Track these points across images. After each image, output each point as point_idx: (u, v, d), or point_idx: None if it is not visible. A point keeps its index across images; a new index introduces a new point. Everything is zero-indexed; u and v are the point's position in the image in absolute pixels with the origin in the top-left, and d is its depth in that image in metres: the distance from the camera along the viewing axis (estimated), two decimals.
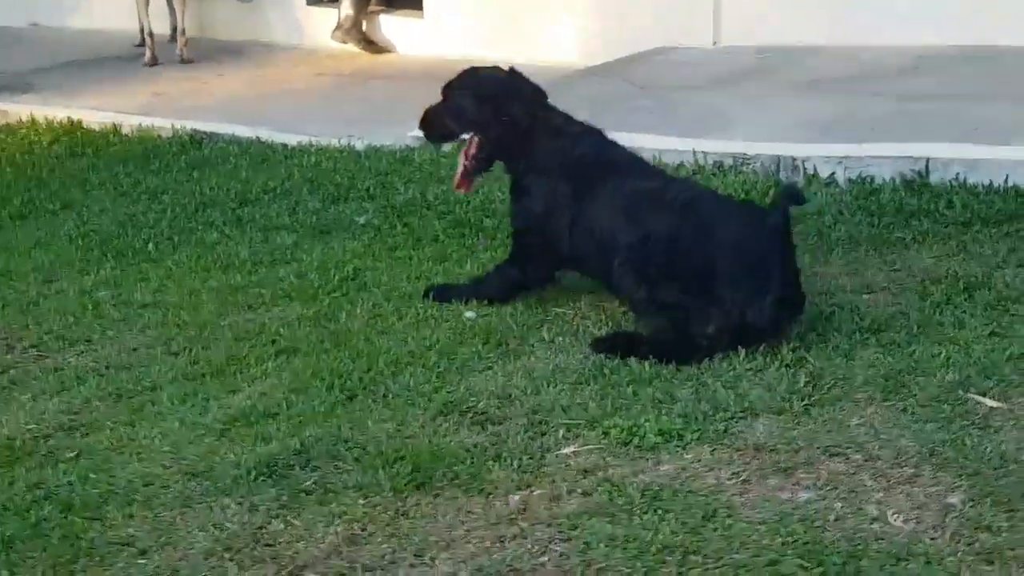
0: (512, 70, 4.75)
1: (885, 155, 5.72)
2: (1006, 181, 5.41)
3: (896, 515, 3.05)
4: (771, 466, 3.37)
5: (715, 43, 9.05)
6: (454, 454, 3.60)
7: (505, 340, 4.43)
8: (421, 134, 4.96)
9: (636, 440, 3.59)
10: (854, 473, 3.28)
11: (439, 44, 10.31)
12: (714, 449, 3.50)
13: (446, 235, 5.66)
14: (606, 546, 3.05)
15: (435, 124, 4.82)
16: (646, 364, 4.06)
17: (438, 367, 4.25)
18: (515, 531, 3.19)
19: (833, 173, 5.83)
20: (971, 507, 3.04)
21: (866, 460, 3.33)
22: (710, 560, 2.95)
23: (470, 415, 3.86)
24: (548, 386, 4.00)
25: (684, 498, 3.25)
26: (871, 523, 3.04)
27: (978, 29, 7.90)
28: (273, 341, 4.65)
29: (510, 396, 3.97)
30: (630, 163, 4.61)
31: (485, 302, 4.76)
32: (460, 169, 4.80)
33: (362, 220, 6.03)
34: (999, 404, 3.54)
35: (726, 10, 9.08)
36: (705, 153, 6.21)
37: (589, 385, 3.99)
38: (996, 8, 7.90)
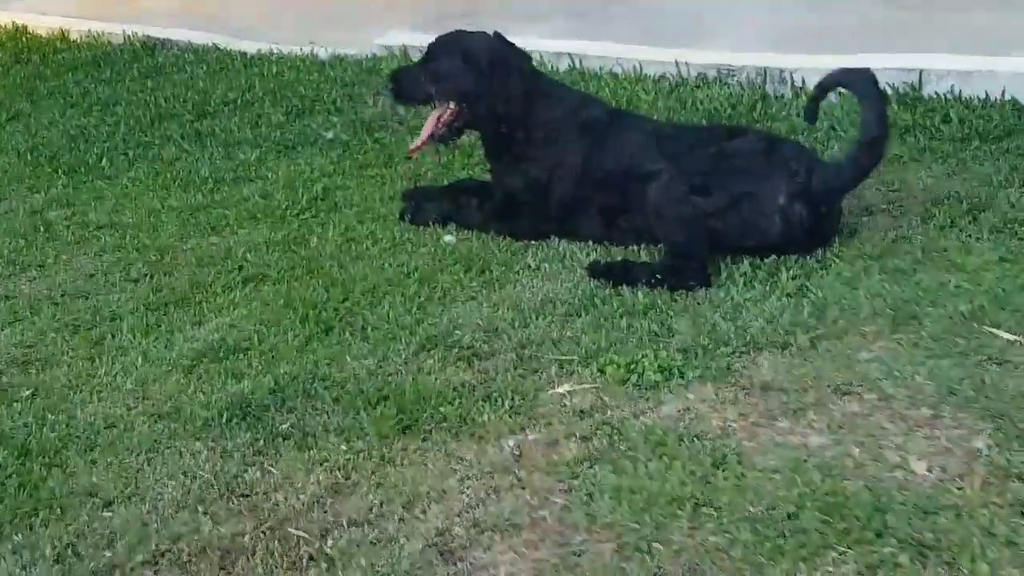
0: (498, 35, 4.47)
1: (877, 66, 5.43)
2: (1003, 94, 5.17)
3: (920, 462, 2.85)
4: (779, 407, 3.16)
5: None
6: (441, 394, 3.37)
7: (488, 267, 4.19)
8: (390, 95, 4.61)
9: (634, 378, 3.37)
10: (869, 415, 3.08)
11: None
12: (718, 388, 3.29)
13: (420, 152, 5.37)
14: (611, 498, 2.84)
15: (411, 87, 4.48)
16: (640, 295, 3.84)
17: (418, 296, 4.01)
18: (511, 480, 2.98)
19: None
20: (999, 453, 2.84)
21: (881, 400, 3.13)
22: (724, 513, 2.75)
23: (455, 350, 3.63)
24: (537, 318, 3.77)
25: (690, 443, 3.03)
26: (892, 471, 2.84)
27: None
28: (240, 267, 4.39)
29: (496, 329, 3.74)
30: (641, 118, 4.64)
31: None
32: (426, 134, 4.50)
33: (330, 135, 5.73)
34: (1016, 337, 3.34)
35: None
36: (688, 64, 5.92)
37: (580, 317, 3.76)
38: None
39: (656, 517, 2.76)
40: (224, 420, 3.35)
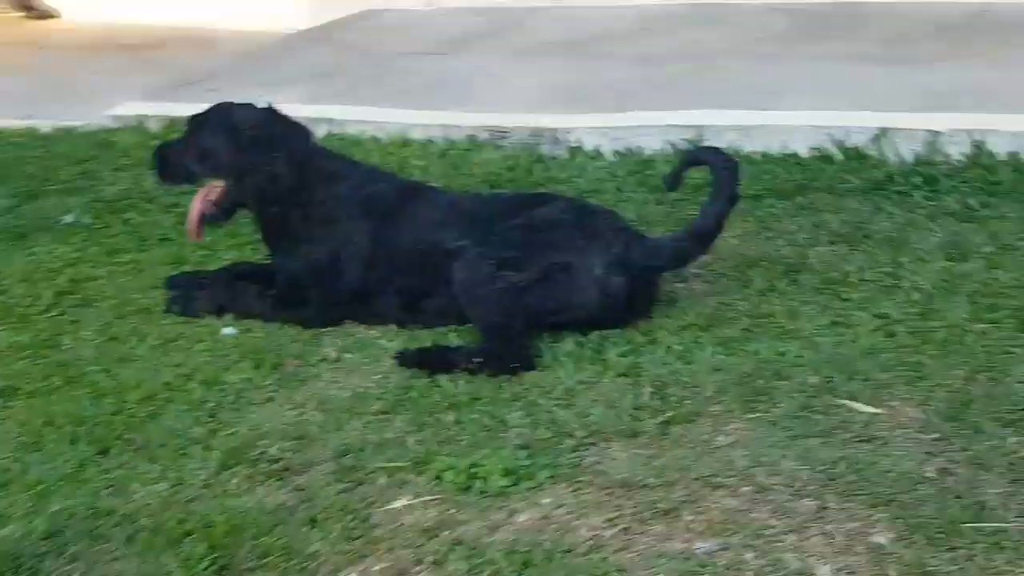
0: (271, 108, 4.05)
1: (657, 123, 5.30)
2: (785, 148, 5.09)
3: (824, 566, 2.57)
4: (648, 507, 2.82)
5: (429, 4, 8.45)
6: (256, 522, 2.88)
7: (281, 361, 3.72)
8: (154, 175, 4.15)
9: (479, 484, 2.97)
10: (749, 511, 2.78)
11: (113, 7, 9.16)
12: (574, 489, 2.93)
13: (179, 232, 4.82)
14: None
15: (175, 167, 4.04)
16: (461, 383, 3.45)
17: (206, 402, 3.49)
18: None
19: (598, 146, 5.37)
20: (905, 547, 2.59)
21: (757, 492, 2.84)
22: None
23: (262, 464, 3.14)
24: (350, 418, 3.33)
25: (561, 560, 2.66)
26: None
27: None
28: None
29: (306, 435, 3.27)
30: (435, 190, 4.24)
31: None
32: (195, 214, 4.04)
33: (69, 219, 5.10)
34: (876, 410, 3.14)
35: None
36: (457, 126, 5.62)
37: (399, 414, 3.34)
38: None
39: None
40: None
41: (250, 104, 4.06)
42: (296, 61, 7.07)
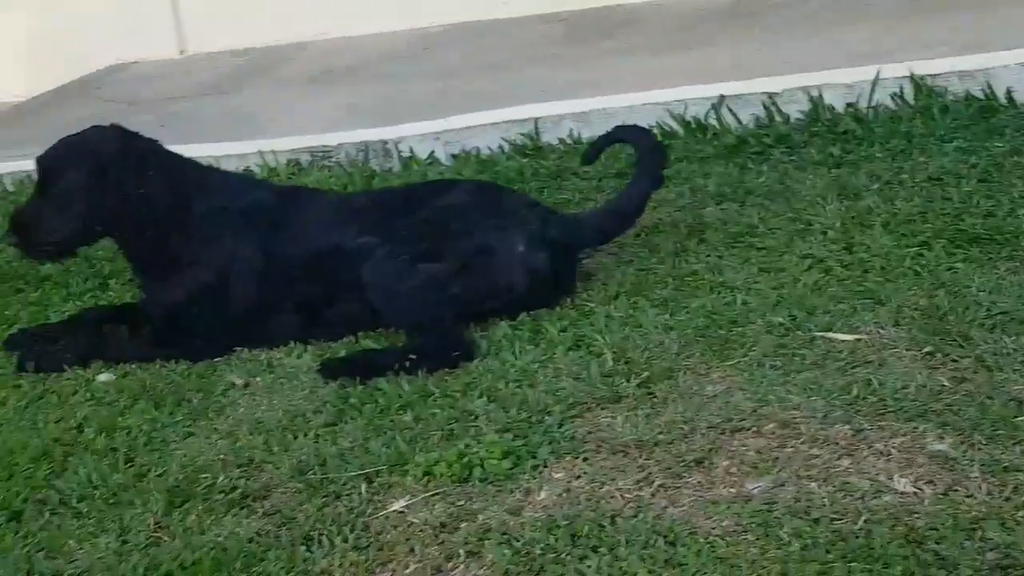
0: (119, 126, 3.64)
1: (488, 122, 5.10)
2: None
3: (899, 479, 2.40)
4: (675, 462, 2.60)
5: (182, 52, 8.01)
6: (242, 551, 2.50)
7: (183, 398, 3.30)
8: (16, 250, 3.67)
9: (477, 472, 2.68)
10: (783, 446, 2.59)
11: None
12: (584, 459, 2.67)
13: None
14: None
15: (41, 229, 3.52)
16: (404, 385, 3.14)
17: (113, 450, 3.05)
18: None
19: (433, 151, 5.13)
20: (967, 449, 2.46)
21: (783, 428, 2.65)
22: None
23: (218, 496, 2.74)
24: (294, 437, 2.97)
25: (612, 527, 2.40)
26: (876, 498, 2.35)
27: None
28: None
29: (252, 460, 2.90)
30: (319, 192, 3.99)
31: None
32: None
33: None
34: (857, 336, 3.02)
35: (185, 20, 8.06)
36: (274, 152, 5.26)
37: (348, 423, 3.00)
38: None
39: None
40: None
41: (94, 127, 3.64)
42: (61, 117, 6.50)
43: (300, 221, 3.59)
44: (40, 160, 3.57)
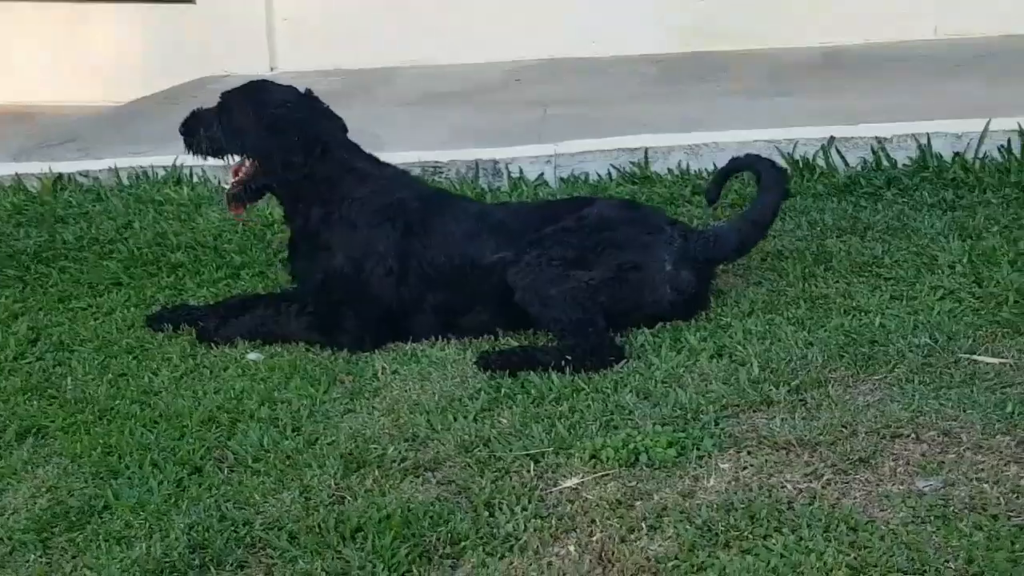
0: (309, 93, 3.84)
1: (600, 149, 5.25)
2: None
3: None
4: (841, 459, 2.72)
5: (272, 69, 8.20)
6: (428, 511, 2.62)
7: (335, 378, 3.43)
8: (183, 140, 3.86)
9: (643, 458, 2.80)
10: (945, 451, 2.71)
11: None
12: (749, 452, 2.79)
13: (130, 276, 4.42)
14: None
15: (200, 135, 3.78)
16: (554, 380, 3.26)
17: (277, 420, 3.18)
18: None
19: (542, 174, 5.28)
20: None
21: (943, 435, 2.77)
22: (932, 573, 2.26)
23: (390, 465, 2.87)
24: (454, 418, 3.09)
25: (789, 512, 2.52)
26: None
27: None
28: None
29: (416, 436, 3.02)
30: (455, 197, 4.13)
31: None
32: (229, 188, 3.83)
33: None
34: (1003, 360, 3.14)
35: (278, 40, 8.29)
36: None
37: (504, 409, 3.13)
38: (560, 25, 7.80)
39: None
40: None
41: (288, 86, 3.86)
42: (157, 122, 6.66)
43: (440, 228, 3.70)
44: (226, 92, 3.83)
